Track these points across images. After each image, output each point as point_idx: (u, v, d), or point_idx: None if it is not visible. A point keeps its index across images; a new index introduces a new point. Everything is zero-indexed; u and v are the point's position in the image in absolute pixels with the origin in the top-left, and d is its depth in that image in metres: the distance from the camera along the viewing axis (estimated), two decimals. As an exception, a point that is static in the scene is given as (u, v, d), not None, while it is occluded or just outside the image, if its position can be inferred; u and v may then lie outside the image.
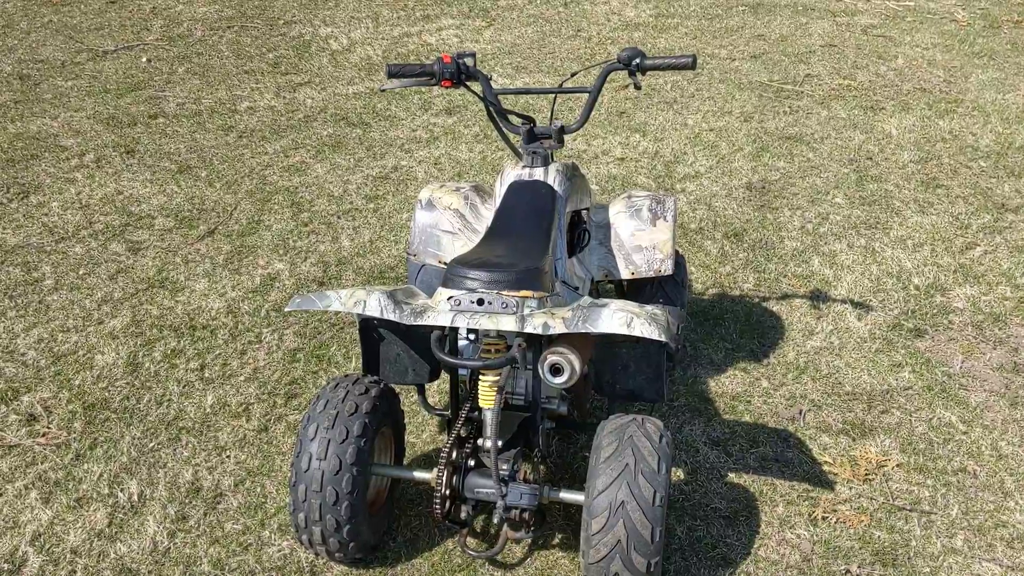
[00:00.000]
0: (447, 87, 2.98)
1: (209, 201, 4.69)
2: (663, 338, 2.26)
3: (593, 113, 5.58)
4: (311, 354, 3.60)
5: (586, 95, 3.09)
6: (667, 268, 3.10)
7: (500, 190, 2.98)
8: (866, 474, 3.03)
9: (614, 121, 5.85)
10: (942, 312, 3.97)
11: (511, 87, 2.87)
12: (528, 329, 2.30)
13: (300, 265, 4.17)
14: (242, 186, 4.84)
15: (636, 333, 2.25)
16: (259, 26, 7.26)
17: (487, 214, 3.23)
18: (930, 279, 4.20)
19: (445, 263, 3.18)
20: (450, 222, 3.19)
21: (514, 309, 2.34)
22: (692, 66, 2.93)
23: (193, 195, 4.75)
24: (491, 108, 3.02)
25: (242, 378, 3.45)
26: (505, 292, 2.36)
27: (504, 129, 3.08)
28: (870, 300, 4.03)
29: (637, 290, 3.22)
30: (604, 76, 3.03)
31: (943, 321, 3.91)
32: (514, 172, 2.97)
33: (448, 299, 2.37)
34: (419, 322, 2.35)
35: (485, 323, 2.32)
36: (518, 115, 3.04)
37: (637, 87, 2.98)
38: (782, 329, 3.80)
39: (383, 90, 3.13)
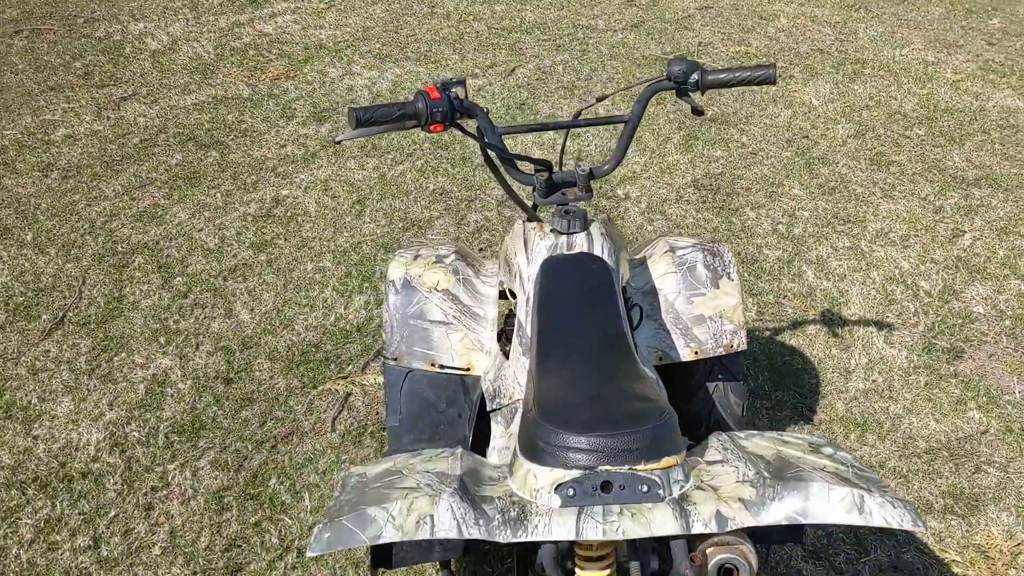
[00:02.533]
0: (437, 132, 2.10)
1: (45, 276, 3.53)
2: (916, 526, 1.51)
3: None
4: (245, 495, 2.64)
5: (620, 125, 2.27)
6: (740, 342, 2.36)
7: (525, 268, 2.14)
8: (1005, 569, 2.43)
9: (516, 116, 5.03)
10: (966, 321, 3.45)
11: (520, 124, 2.09)
12: (698, 527, 1.49)
13: (193, 356, 3.14)
14: (85, 248, 3.70)
15: (877, 522, 1.49)
16: (55, 27, 5.89)
17: (488, 290, 2.37)
18: (936, 282, 3.67)
19: (442, 366, 2.31)
20: (441, 309, 2.32)
21: (662, 490, 1.52)
22: (773, 79, 2.18)
23: (21, 269, 3.57)
24: (494, 153, 2.16)
25: (157, 551, 2.46)
26: (642, 465, 1.53)
27: (509, 180, 2.23)
28: (887, 316, 3.46)
29: (687, 369, 2.46)
30: (647, 99, 2.24)
31: (973, 334, 3.39)
32: (545, 243, 2.13)
33: (556, 488, 1.52)
34: (523, 537, 1.50)
35: (632, 528, 1.48)
36: (533, 160, 2.20)
37: (698, 112, 2.19)
38: (814, 371, 3.16)
39: (339, 141, 2.19)
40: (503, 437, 2.04)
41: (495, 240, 3.86)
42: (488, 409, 2.14)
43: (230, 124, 4.79)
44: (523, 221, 2.28)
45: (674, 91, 2.23)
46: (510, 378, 2.07)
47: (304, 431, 2.86)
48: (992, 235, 4.03)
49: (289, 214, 3.99)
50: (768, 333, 3.34)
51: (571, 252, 2.10)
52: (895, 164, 4.63)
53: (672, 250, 2.42)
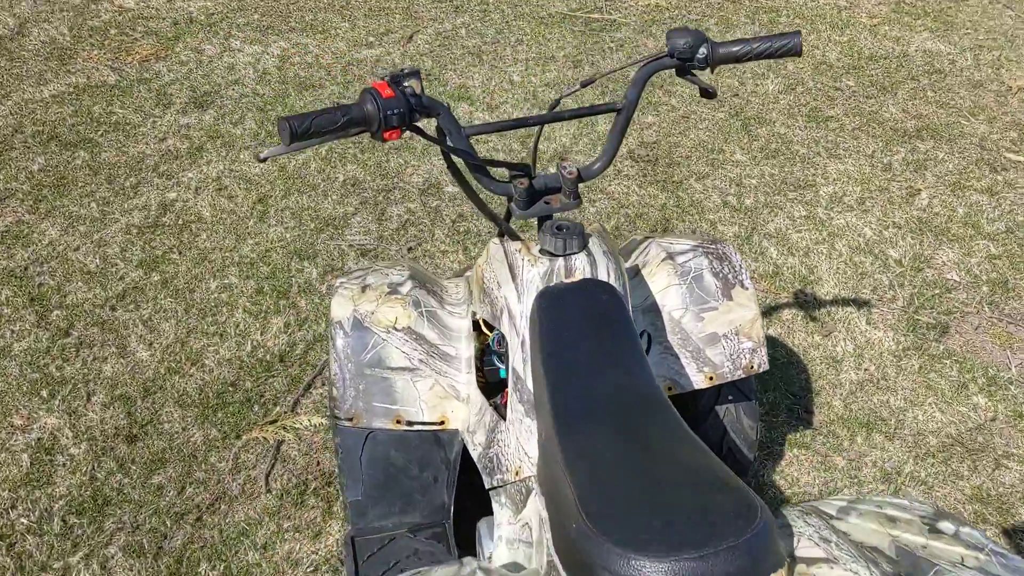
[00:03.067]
0: (393, 140, 1.65)
1: None
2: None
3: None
4: (171, 587, 2.16)
5: (613, 115, 1.86)
6: (762, 362, 2.00)
7: (514, 303, 1.71)
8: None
9: (424, 88, 4.54)
10: (943, 291, 3.20)
11: (489, 122, 1.67)
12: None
13: (84, 411, 2.61)
14: (-66, 284, 3.09)
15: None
16: None
17: (458, 323, 1.95)
18: (904, 249, 3.42)
19: (410, 423, 1.88)
20: (403, 352, 1.89)
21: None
22: (798, 50, 1.80)
23: None
24: (461, 160, 1.71)
25: (67, 676, 1.97)
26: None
27: (479, 189, 1.80)
28: (862, 292, 3.18)
29: (695, 393, 2.09)
30: (643, 82, 1.83)
31: (954, 305, 3.15)
32: (537, 270, 1.70)
33: None
34: None
35: None
36: (509, 165, 1.77)
37: (709, 94, 1.79)
38: (800, 364, 2.85)
39: (263, 159, 1.71)
40: (512, 525, 1.63)
41: (424, 237, 3.41)
42: (487, 487, 1.72)
43: (97, 117, 4.16)
44: (501, 241, 1.84)
45: (675, 69, 1.83)
46: (512, 446, 1.65)
47: (233, 494, 2.38)
48: (947, 191, 3.80)
49: (180, 222, 3.43)
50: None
51: (572, 280, 1.69)
52: (833, 119, 4.36)
53: (670, 256, 2.03)
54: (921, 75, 4.85)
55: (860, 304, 3.10)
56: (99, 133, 4.04)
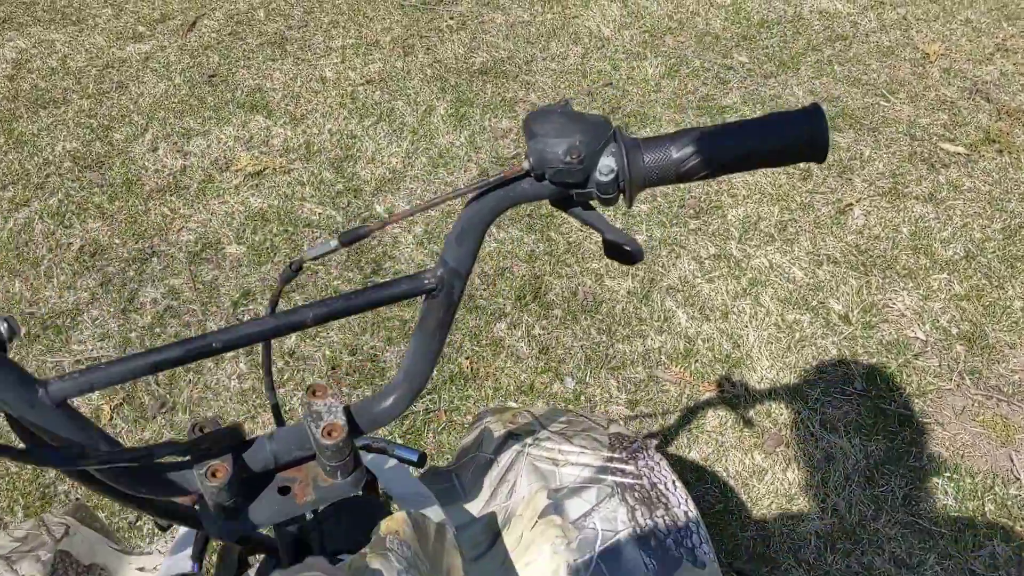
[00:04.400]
0: None
1: None
2: None
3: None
4: None
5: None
6: None
7: None
8: None
9: (206, 97, 3.44)
10: (908, 358, 2.39)
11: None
12: None
13: None
14: None
15: None
16: None
17: None
18: (848, 296, 2.58)
19: None
20: None
21: None
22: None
23: None
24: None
25: None
26: None
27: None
28: (806, 371, 2.33)
29: None
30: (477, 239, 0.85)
31: (925, 381, 2.34)
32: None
33: None
34: None
35: None
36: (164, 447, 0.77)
37: (631, 259, 0.82)
38: (743, 511, 1.98)
39: None
40: None
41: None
42: None
43: None
44: None
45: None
46: None
47: None
48: (882, 202, 2.99)
49: None
50: (655, 445, 2.11)
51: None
52: (730, 109, 3.49)
53: (556, 506, 1.08)
54: (823, 44, 4.03)
55: (806, 394, 2.25)
56: None
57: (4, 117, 3.26)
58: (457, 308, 0.85)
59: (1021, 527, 1.98)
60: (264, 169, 3.03)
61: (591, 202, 0.83)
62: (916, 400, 2.27)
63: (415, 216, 2.61)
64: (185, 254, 2.62)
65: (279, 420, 0.98)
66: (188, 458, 0.78)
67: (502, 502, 1.13)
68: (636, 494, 1.09)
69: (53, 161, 3.02)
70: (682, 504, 1.10)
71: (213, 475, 0.77)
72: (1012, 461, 2.13)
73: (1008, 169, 3.14)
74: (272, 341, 0.86)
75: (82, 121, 3.27)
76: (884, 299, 2.58)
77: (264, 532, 0.89)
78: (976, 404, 2.28)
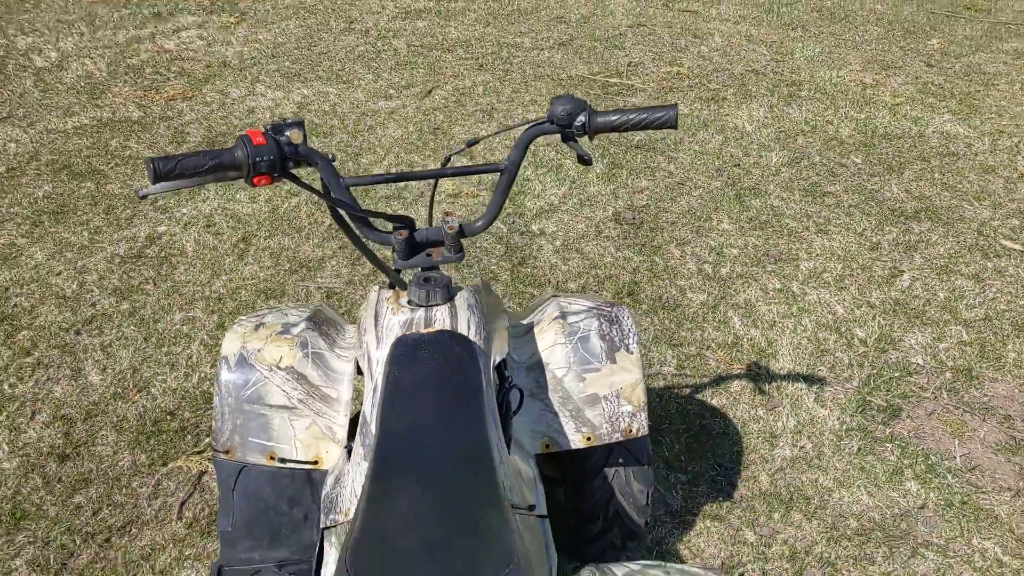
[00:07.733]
0: (264, 185, 1.72)
1: None
2: None
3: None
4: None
5: (496, 175, 1.92)
6: (640, 427, 2.01)
7: (374, 349, 1.77)
8: None
9: (428, 142, 4.66)
10: (904, 374, 3.14)
11: (367, 175, 1.74)
12: None
13: (25, 428, 2.72)
14: (-82, 297, 3.26)
15: None
16: (-73, 40, 5.42)
17: (343, 366, 2.00)
18: (872, 328, 3.37)
19: (282, 460, 1.93)
20: (282, 391, 1.94)
21: None
22: (674, 123, 1.84)
23: None
24: (341, 210, 1.78)
25: None
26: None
27: (364, 240, 1.86)
28: (818, 369, 3.14)
29: (584, 455, 2.10)
30: (526, 145, 1.88)
31: (911, 389, 3.08)
32: (397, 319, 1.76)
33: None
34: None
35: None
36: (389, 217, 1.83)
37: (584, 161, 1.84)
38: (736, 436, 2.83)
39: (142, 196, 1.81)
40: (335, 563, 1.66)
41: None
42: (321, 526, 1.75)
43: (112, 150, 4.36)
44: (379, 287, 1.91)
45: (559, 135, 1.88)
46: (348, 487, 1.69)
47: (145, 519, 2.45)
48: (932, 274, 3.74)
49: (163, 254, 3.57)
50: (687, 391, 3.00)
51: (429, 331, 1.73)
52: (830, 195, 4.34)
53: (562, 316, 2.07)
54: (933, 156, 4.80)
55: (812, 381, 3.07)
56: (110, 166, 4.23)
57: (289, 139, 4.59)
58: (513, 182, 1.87)
59: (939, 480, 2.71)
60: (459, 193, 4.17)
61: (576, 138, 1.83)
62: (898, 399, 3.04)
63: (549, 217, 3.65)
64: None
65: (431, 223, 2.01)
66: (391, 225, 1.83)
67: (538, 316, 2.11)
68: (605, 317, 2.05)
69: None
70: (629, 327, 2.04)
71: (400, 236, 1.82)
72: (955, 446, 2.86)
73: (1046, 261, 3.81)
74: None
75: (341, 148, 4.56)
76: (901, 335, 3.35)
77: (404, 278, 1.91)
78: (946, 410, 3.02)
